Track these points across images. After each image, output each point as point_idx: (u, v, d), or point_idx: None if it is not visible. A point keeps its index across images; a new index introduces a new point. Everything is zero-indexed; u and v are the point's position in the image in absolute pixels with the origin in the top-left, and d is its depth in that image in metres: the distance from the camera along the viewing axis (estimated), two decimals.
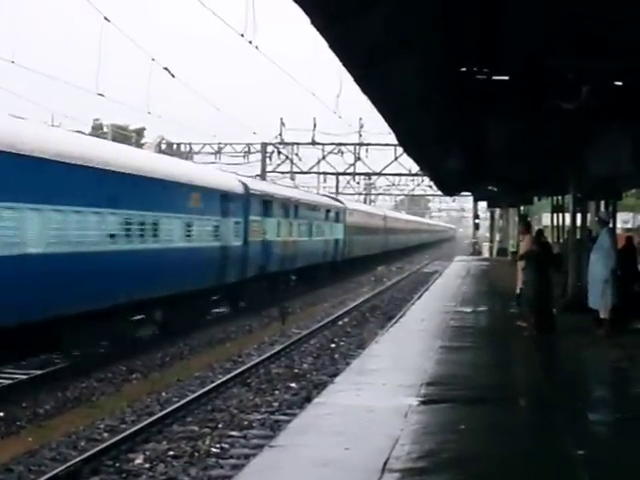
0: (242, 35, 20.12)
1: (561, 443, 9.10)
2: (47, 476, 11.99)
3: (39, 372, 19.64)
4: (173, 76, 27.94)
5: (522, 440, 9.32)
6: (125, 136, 65.12)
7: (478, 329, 19.16)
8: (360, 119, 59.68)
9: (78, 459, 12.69)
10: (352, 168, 62.94)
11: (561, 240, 30.48)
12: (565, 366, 14.71)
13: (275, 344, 25.02)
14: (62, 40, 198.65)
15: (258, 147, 58.79)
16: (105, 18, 22.15)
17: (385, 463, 8.08)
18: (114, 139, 49.05)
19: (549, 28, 11.98)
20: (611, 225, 20.82)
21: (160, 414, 15.51)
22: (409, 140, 23.60)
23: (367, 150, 60.95)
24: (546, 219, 42.05)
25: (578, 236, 22.92)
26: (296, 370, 20.64)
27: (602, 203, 26.42)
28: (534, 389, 12.53)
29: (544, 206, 44.24)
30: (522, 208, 49.15)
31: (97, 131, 71.63)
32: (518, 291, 19.60)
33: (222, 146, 58.93)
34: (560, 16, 11.38)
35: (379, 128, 47.95)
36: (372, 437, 9.21)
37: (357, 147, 61.08)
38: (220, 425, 15.02)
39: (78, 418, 15.99)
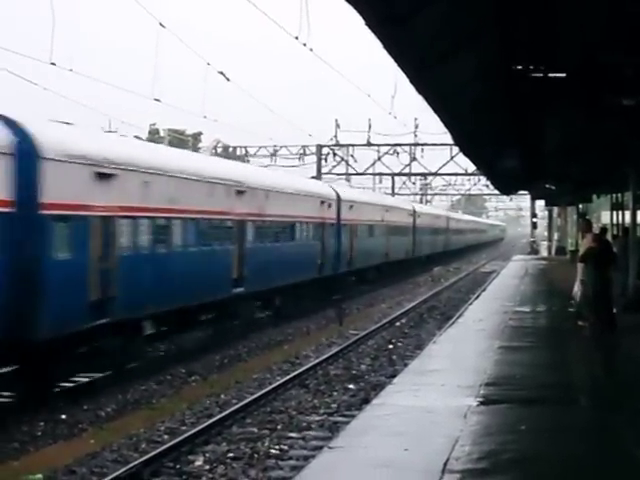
0: (296, 38, 20.17)
1: (623, 444, 9.00)
2: (109, 478, 12.10)
3: (100, 375, 19.86)
4: (228, 80, 28.12)
5: (583, 441, 9.23)
6: (182, 140, 65.66)
7: (537, 329, 19.00)
8: (415, 119, 59.59)
9: (139, 461, 12.79)
10: (408, 168, 62.82)
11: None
12: (626, 366, 14.53)
13: (333, 345, 25.03)
14: (118, 47, 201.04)
15: (313, 149, 58.92)
16: (160, 24, 22.36)
17: (445, 464, 8.05)
18: (171, 143, 49.49)
19: (605, 24, 11.85)
20: None
21: (219, 416, 15.58)
22: (465, 140, 23.50)
23: (423, 150, 60.82)
24: (605, 217, 41.58)
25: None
26: (354, 371, 20.62)
27: None
28: (594, 389, 12.39)
29: (603, 204, 43.76)
30: (580, 206, 48.69)
31: (154, 135, 72.37)
32: (575, 289, 19.32)
33: (277, 148, 59.19)
34: (616, 11, 11.25)
35: (434, 128, 47.63)
36: (431, 438, 9.19)
37: (412, 147, 60.96)
38: (279, 427, 15.06)
39: (138, 420, 16.13)
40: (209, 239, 24.19)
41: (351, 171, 62.23)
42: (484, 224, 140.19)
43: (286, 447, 13.76)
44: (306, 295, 33.88)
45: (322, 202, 36.48)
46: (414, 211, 61.23)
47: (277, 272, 29.21)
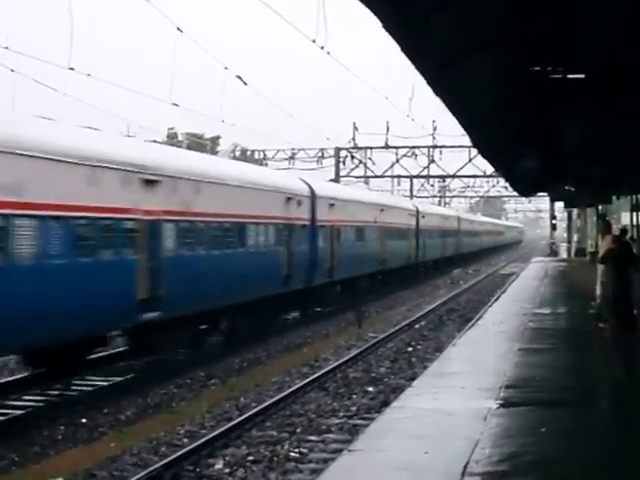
0: (314, 41, 20.15)
1: None
2: None
3: (119, 379, 19.91)
4: (246, 84, 28.12)
5: (604, 443, 9.18)
6: (200, 144, 65.83)
7: (557, 331, 18.92)
8: (433, 121, 59.38)
9: (159, 464, 12.82)
10: (426, 171, 62.73)
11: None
12: None
13: (352, 348, 25.00)
14: (136, 51, 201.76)
15: (331, 152, 58.96)
16: (178, 29, 22.40)
17: (465, 467, 8.03)
18: (189, 147, 49.59)
19: (624, 24, 11.79)
20: None
21: (239, 419, 15.59)
22: (483, 142, 23.43)
23: (441, 152, 60.70)
24: (625, 218, 41.40)
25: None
26: (373, 374, 20.59)
27: None
28: (615, 391, 12.33)
29: (623, 205, 43.57)
30: (600, 207, 48.50)
31: (172, 139, 72.59)
32: (597, 291, 19.24)
33: (295, 152, 59.22)
34: (635, 12, 11.19)
35: (453, 130, 47.40)
36: (451, 441, 9.15)
37: (431, 149, 60.85)
38: (298, 430, 15.05)
39: (158, 424, 16.16)
40: (92, 247, 17.50)
41: (369, 174, 62.22)
42: (501, 225, 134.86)
43: (306, 450, 13.75)
44: (269, 314, 27.90)
45: (289, 198, 29.43)
46: (417, 211, 55.15)
47: (219, 288, 22.64)
